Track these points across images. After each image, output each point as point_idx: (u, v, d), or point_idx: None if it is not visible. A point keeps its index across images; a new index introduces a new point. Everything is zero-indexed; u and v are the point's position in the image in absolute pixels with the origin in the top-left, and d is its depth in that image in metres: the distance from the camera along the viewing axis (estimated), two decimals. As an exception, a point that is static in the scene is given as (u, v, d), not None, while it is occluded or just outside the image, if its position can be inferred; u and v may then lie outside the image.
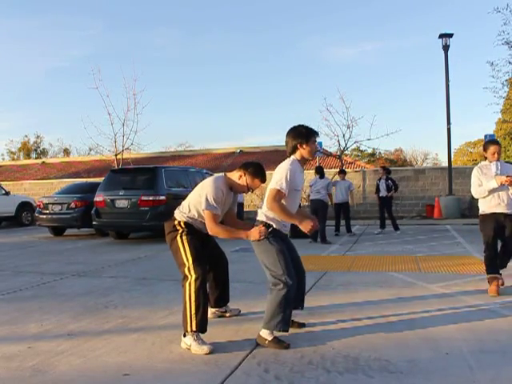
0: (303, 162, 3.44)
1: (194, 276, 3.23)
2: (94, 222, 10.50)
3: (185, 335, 3.22)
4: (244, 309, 4.12)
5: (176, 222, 3.50)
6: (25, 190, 21.42)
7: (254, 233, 3.26)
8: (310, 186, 9.76)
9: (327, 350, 3.12)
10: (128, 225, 10.31)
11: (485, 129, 64.26)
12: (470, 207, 15.31)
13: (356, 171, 17.16)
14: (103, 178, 11.17)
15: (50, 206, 11.76)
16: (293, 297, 3.28)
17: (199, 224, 3.50)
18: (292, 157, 3.40)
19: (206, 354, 3.08)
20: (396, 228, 10.90)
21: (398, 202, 15.98)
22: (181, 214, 3.53)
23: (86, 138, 34.19)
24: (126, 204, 10.01)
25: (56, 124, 79.17)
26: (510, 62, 17.35)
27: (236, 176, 3.47)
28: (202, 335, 3.21)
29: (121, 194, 10.09)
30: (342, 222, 10.83)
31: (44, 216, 11.79)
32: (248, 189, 3.49)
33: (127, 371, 2.85)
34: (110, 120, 17.67)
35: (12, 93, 74.16)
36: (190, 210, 3.49)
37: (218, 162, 24.23)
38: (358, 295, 4.67)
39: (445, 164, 20.30)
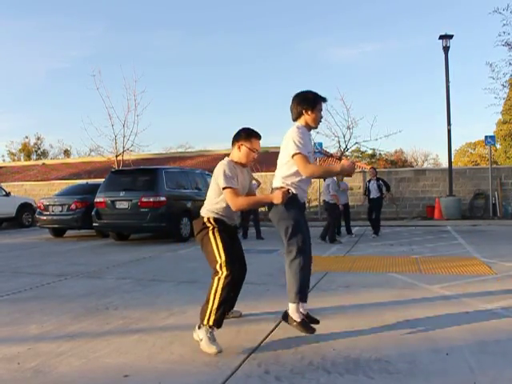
0: (308, 129, 3.33)
1: (225, 273, 3.18)
2: (94, 223, 10.52)
3: (200, 327, 3.21)
4: (245, 310, 4.11)
5: (205, 219, 3.41)
6: (25, 191, 21.44)
7: (278, 195, 3.17)
8: None
9: (328, 351, 3.12)
10: (128, 226, 10.32)
11: (485, 129, 64.21)
12: (470, 208, 15.31)
13: (356, 172, 17.17)
14: (104, 179, 11.18)
15: (50, 207, 11.77)
16: (309, 266, 3.26)
17: (229, 213, 3.40)
18: (297, 123, 3.30)
19: (214, 353, 3.05)
20: (377, 232, 10.60)
21: (399, 203, 15.99)
22: (207, 210, 3.44)
23: (86, 139, 34.18)
24: (126, 205, 10.02)
25: (56, 125, 79.25)
26: (510, 63, 17.37)
27: (236, 152, 3.42)
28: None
29: (121, 195, 10.10)
30: (343, 223, 10.83)
31: (44, 217, 11.81)
32: (254, 152, 3.41)
33: (128, 372, 2.85)
34: (110, 121, 17.70)
35: (12, 94, 74.27)
36: (216, 202, 3.38)
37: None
38: (359, 296, 4.67)
39: (445, 165, 20.34)
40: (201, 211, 3.51)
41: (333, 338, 3.38)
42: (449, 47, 15.26)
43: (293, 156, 3.15)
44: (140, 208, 9.86)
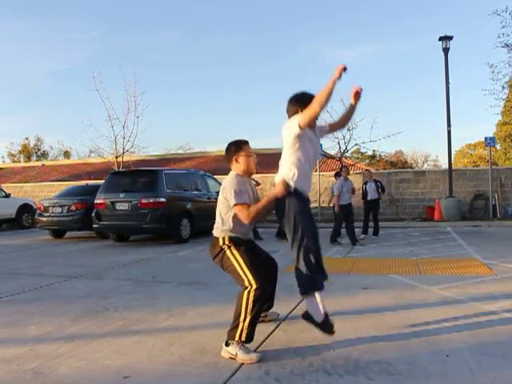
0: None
1: (254, 286, 3.07)
2: (94, 225, 10.51)
3: (227, 344, 3.07)
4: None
5: (220, 242, 3.33)
6: (25, 192, 21.44)
7: (279, 187, 3.17)
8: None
9: (328, 353, 3.12)
10: (128, 227, 10.31)
11: (485, 131, 64.29)
12: (470, 209, 15.31)
13: (356, 173, 17.17)
14: (104, 181, 11.18)
15: (50, 208, 11.77)
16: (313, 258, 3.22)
17: (243, 228, 3.36)
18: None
19: (255, 362, 2.97)
20: (377, 233, 10.58)
21: (399, 204, 15.99)
22: (220, 230, 3.37)
23: (86, 141, 34.22)
24: (126, 206, 10.02)
25: (56, 126, 79.27)
26: (509, 65, 17.39)
27: (235, 166, 3.41)
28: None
29: (121, 196, 10.10)
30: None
31: (44, 218, 11.81)
32: (252, 156, 3.44)
33: (128, 374, 2.85)
34: (110, 122, 17.69)
35: (13, 95, 74.33)
36: (227, 220, 3.33)
37: (219, 164, 24.22)
38: (359, 297, 4.67)
39: (445, 166, 20.33)
40: (213, 232, 3.42)
41: (332, 339, 3.37)
42: (449, 48, 15.26)
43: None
44: (140, 209, 9.86)
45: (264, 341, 3.39)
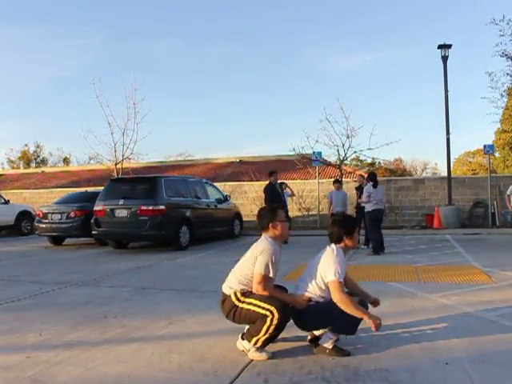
0: (346, 250, 3.48)
1: (276, 315, 3.09)
2: (93, 232, 10.50)
3: (243, 338, 3.26)
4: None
5: (233, 298, 3.27)
6: (24, 199, 21.41)
7: (302, 303, 3.24)
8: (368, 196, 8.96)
9: (327, 361, 3.11)
10: (127, 234, 10.30)
11: (484, 138, 64.65)
12: (469, 217, 15.31)
13: (355, 181, 17.18)
14: (103, 188, 11.18)
15: (49, 215, 11.76)
16: None
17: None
18: (337, 245, 3.41)
19: (266, 360, 3.11)
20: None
21: (398, 211, 15.99)
22: (235, 286, 3.31)
23: (85, 148, 34.22)
24: (125, 213, 10.01)
25: (56, 133, 79.41)
26: (507, 74, 17.48)
27: (272, 231, 3.36)
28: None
29: (120, 203, 10.10)
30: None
31: (43, 225, 11.80)
32: (284, 223, 3.45)
33: (126, 381, 2.84)
34: (110, 129, 17.69)
35: (12, 102, 74.45)
36: (245, 279, 3.29)
37: (218, 172, 24.26)
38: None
39: (444, 173, 20.31)
40: (224, 289, 3.35)
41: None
42: (447, 57, 15.33)
43: (330, 281, 3.23)
44: (139, 216, 9.85)
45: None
